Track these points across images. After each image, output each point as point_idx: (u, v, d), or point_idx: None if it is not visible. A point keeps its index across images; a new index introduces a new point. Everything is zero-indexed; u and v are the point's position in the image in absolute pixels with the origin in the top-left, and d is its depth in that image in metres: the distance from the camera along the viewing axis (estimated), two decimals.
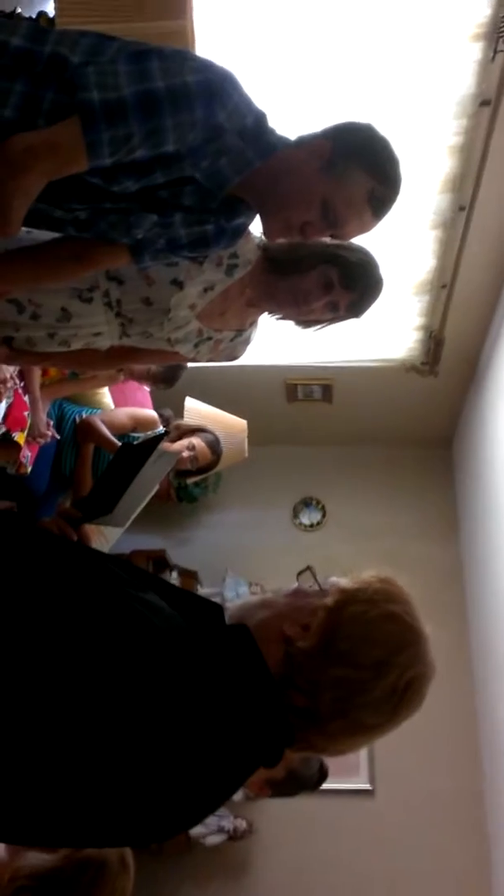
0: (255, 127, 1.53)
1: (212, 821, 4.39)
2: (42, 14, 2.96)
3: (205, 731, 1.01)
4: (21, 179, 1.37)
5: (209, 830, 4.47)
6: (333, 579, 1.17)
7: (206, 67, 1.42)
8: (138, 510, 1.52)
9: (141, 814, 1.02)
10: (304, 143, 1.60)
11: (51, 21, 2.85)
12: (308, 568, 1.20)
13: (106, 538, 3.07)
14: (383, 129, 1.64)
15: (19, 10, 2.96)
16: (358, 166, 1.58)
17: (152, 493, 1.53)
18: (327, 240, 1.82)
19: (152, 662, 0.98)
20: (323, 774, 2.11)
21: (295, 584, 1.22)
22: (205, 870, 4.64)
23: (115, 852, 1.62)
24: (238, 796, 1.23)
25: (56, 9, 2.77)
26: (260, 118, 1.55)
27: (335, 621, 1.10)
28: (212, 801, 1.09)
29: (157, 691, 0.98)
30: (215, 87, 1.41)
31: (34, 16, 2.96)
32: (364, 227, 1.67)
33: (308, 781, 2.08)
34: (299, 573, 1.21)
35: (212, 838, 4.48)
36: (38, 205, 1.46)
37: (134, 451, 1.48)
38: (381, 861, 4.56)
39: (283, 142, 1.60)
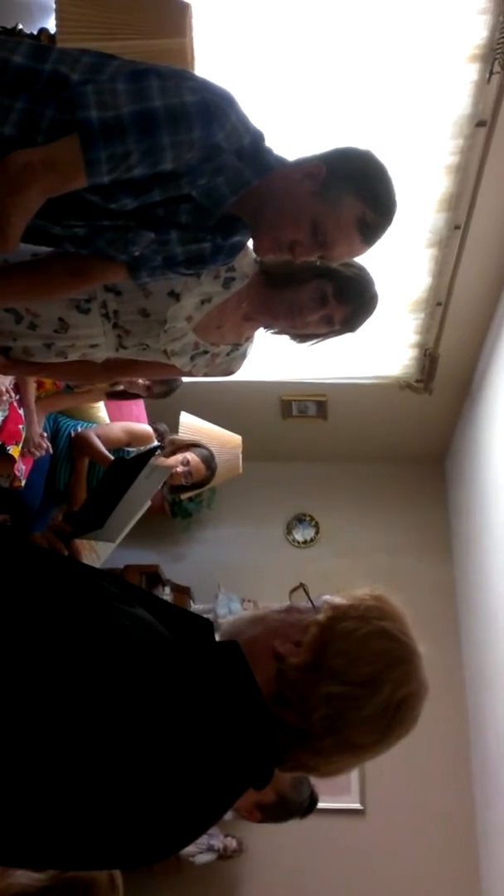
0: (252, 146, 1.55)
1: (202, 839, 4.35)
2: (43, 31, 2.97)
3: (193, 750, 1.00)
4: (20, 196, 1.38)
5: (199, 849, 4.43)
6: (326, 597, 1.17)
7: (205, 87, 1.44)
8: (130, 525, 1.51)
9: (128, 836, 1.01)
10: (300, 164, 1.62)
11: (52, 38, 2.86)
12: (301, 585, 1.19)
13: (97, 553, 3.06)
14: (381, 151, 1.65)
15: (20, 26, 2.98)
16: (351, 192, 1.59)
17: (145, 507, 1.52)
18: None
19: (139, 678, 0.97)
20: (313, 801, 2.08)
21: (287, 602, 1.22)
22: (195, 889, 4.60)
23: (105, 872, 1.61)
24: (228, 815, 1.22)
25: (57, 26, 2.79)
26: (257, 138, 1.56)
27: (326, 637, 1.10)
28: (201, 822, 1.08)
29: (144, 708, 0.97)
30: (213, 107, 1.42)
31: (35, 32, 2.98)
32: (353, 252, 1.68)
33: (298, 807, 2.05)
34: (292, 591, 1.21)
35: (202, 857, 4.44)
36: (37, 221, 1.47)
37: (126, 465, 1.47)
38: (372, 880, 4.53)
39: (280, 162, 1.61)
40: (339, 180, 1.59)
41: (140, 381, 3.14)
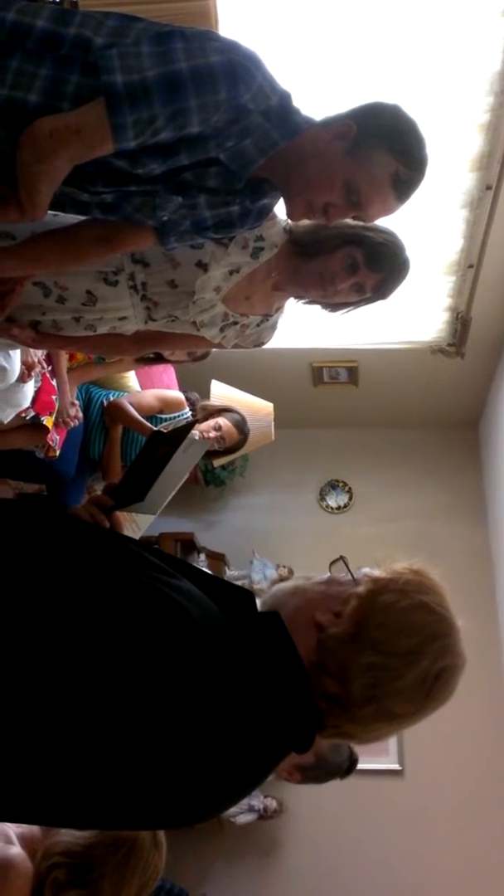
0: (279, 107, 1.52)
1: (242, 800, 4.43)
2: None
3: (236, 717, 1.02)
4: (47, 164, 1.38)
5: (240, 810, 4.51)
6: (366, 569, 1.18)
7: (230, 48, 1.41)
8: (169, 498, 1.52)
9: (171, 798, 1.04)
10: (329, 123, 1.59)
11: (74, 3, 2.84)
12: (341, 557, 1.20)
13: (137, 525, 3.08)
14: (411, 109, 1.61)
15: None
16: (382, 148, 1.56)
17: (183, 480, 1.53)
18: (351, 221, 1.80)
19: (188, 650, 0.99)
20: (352, 763, 2.10)
21: (327, 573, 1.22)
22: (236, 848, 4.70)
23: (148, 831, 1.64)
24: (269, 777, 1.25)
25: None
26: (285, 98, 1.53)
27: (367, 609, 1.11)
28: (242, 786, 1.11)
29: (193, 678, 0.98)
30: (239, 68, 1.40)
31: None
32: (387, 210, 1.65)
33: (338, 769, 2.07)
34: (332, 563, 1.22)
35: (242, 817, 4.53)
36: (64, 188, 1.47)
37: (165, 438, 1.48)
38: (410, 841, 4.58)
39: (308, 122, 1.58)
40: (370, 138, 1.56)
41: None
